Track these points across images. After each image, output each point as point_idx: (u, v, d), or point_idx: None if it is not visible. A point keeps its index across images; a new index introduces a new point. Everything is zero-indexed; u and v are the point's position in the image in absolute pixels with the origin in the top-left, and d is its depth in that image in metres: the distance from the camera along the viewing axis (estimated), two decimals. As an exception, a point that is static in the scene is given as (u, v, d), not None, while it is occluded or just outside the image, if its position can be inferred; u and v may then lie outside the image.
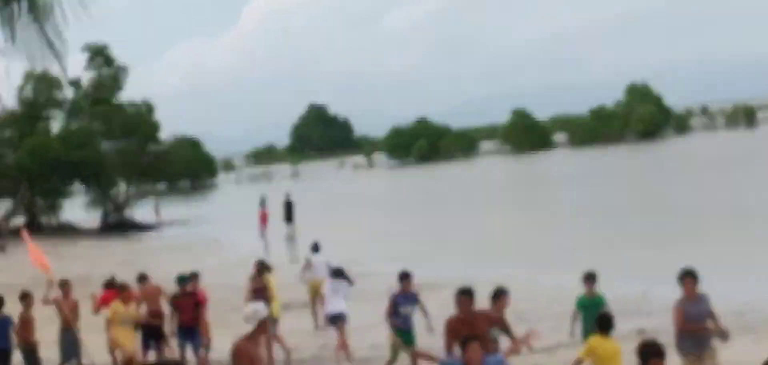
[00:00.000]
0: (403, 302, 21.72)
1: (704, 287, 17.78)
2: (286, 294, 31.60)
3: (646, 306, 27.39)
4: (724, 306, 26.18)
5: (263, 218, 56.83)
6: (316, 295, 29.89)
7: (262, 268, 26.00)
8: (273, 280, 25.95)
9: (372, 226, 60.21)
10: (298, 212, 61.53)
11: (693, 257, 34.88)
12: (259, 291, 24.41)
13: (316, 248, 31.23)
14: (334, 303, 24.35)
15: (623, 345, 22.73)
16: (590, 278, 20.62)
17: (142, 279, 25.04)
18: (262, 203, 59.77)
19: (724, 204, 52.05)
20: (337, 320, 24.18)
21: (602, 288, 30.43)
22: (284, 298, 31.55)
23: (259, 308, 14.05)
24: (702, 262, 33.49)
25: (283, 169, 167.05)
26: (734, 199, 54.06)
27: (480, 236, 50.34)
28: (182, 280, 23.99)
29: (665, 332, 23.48)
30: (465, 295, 16.72)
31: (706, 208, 51.36)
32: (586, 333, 19.08)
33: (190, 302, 23.50)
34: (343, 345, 24.29)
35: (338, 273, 25.15)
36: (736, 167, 77.31)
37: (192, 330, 23.48)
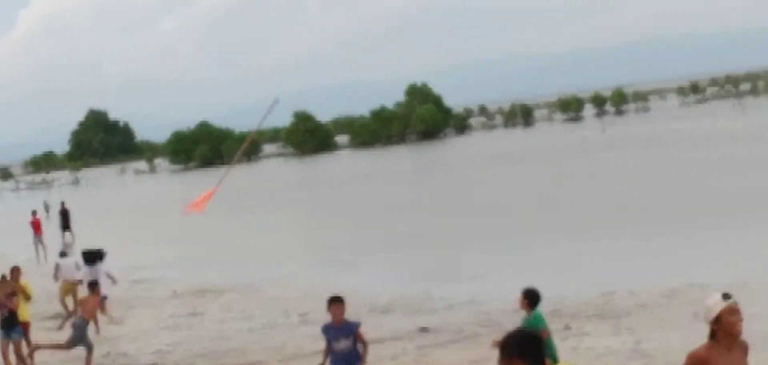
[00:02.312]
0: (334, 335, 16.16)
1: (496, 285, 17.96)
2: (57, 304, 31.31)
3: (428, 305, 27.71)
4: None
5: (36, 226, 55.41)
6: (66, 295, 31.07)
7: (14, 272, 26.05)
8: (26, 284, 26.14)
9: (154, 231, 59.45)
10: (76, 220, 60.32)
11: (474, 258, 35.83)
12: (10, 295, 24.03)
13: (63, 253, 32.82)
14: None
15: (404, 343, 23.11)
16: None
17: None
18: (34, 211, 58.31)
19: (504, 202, 53.13)
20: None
21: (386, 287, 30.92)
22: (56, 308, 31.16)
23: None
24: (480, 263, 34.49)
25: (63, 176, 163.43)
26: (515, 195, 55.26)
27: (262, 238, 50.22)
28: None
29: (447, 330, 23.86)
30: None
31: (486, 206, 52.34)
32: None
33: None
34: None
35: (90, 256, 27.71)
36: (514, 164, 79.20)
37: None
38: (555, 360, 15.12)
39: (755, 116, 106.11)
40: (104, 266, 29.68)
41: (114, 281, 30.73)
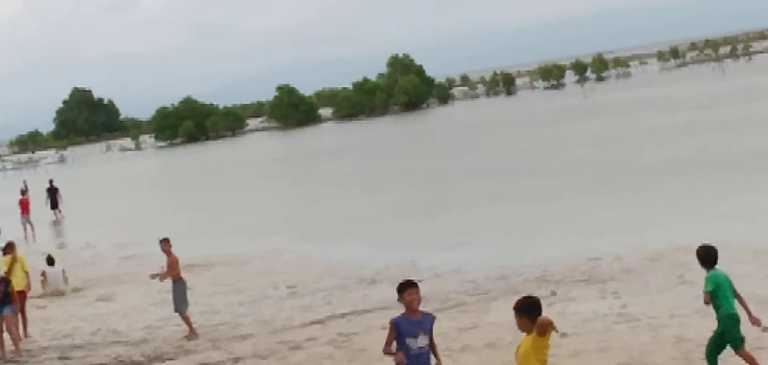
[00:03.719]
0: (409, 329, 13.04)
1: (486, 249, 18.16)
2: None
3: (415, 275, 27.91)
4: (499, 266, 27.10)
5: (24, 205, 55.40)
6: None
7: (7, 248, 26.78)
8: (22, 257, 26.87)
9: (142, 207, 59.52)
10: (65, 198, 60.43)
11: (459, 227, 36.06)
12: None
13: (50, 260, 33.14)
14: None
15: (392, 312, 23.31)
16: None
17: None
18: (23, 190, 58.28)
19: (488, 170, 53.30)
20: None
21: (373, 259, 31.13)
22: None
23: None
24: (466, 231, 34.72)
25: (49, 155, 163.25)
26: (500, 163, 55.43)
27: (251, 211, 50.34)
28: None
29: (434, 299, 24.08)
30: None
31: (470, 174, 52.49)
32: None
33: None
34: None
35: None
36: (497, 132, 79.39)
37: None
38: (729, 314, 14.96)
39: (734, 79, 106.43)
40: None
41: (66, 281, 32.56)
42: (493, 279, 25.75)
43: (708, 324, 16.36)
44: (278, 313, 24.98)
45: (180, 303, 23.58)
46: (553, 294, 22.99)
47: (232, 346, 22.05)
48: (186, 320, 23.61)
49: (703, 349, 15.69)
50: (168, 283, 24.10)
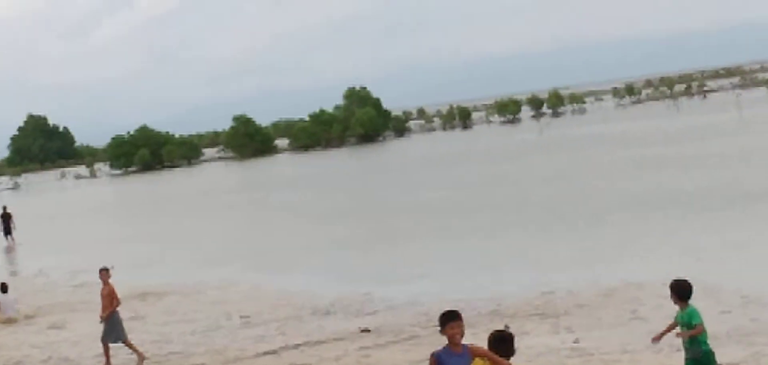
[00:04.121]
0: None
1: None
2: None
3: (370, 306, 27.92)
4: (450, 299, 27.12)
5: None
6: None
7: None
8: None
9: (95, 235, 59.16)
10: (18, 224, 59.98)
11: (414, 259, 36.09)
12: None
13: (4, 288, 32.90)
14: None
15: (346, 344, 23.33)
16: None
17: None
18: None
19: (443, 203, 53.40)
20: None
21: (328, 289, 31.10)
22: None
23: None
24: (420, 264, 34.75)
25: (3, 181, 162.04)
26: (455, 197, 55.54)
27: (205, 241, 50.18)
28: None
29: (388, 331, 24.10)
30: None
31: (426, 207, 52.56)
32: None
33: None
34: None
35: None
36: (453, 165, 79.56)
37: None
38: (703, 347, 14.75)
39: (689, 117, 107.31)
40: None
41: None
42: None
43: (659, 359, 16.45)
44: (231, 343, 24.90)
45: (108, 333, 23.59)
46: (507, 327, 23.03)
47: (184, 376, 21.95)
48: (105, 349, 23.63)
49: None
50: (120, 311, 23.99)
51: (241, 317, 28.28)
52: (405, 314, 26.34)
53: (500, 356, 11.11)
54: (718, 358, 15.27)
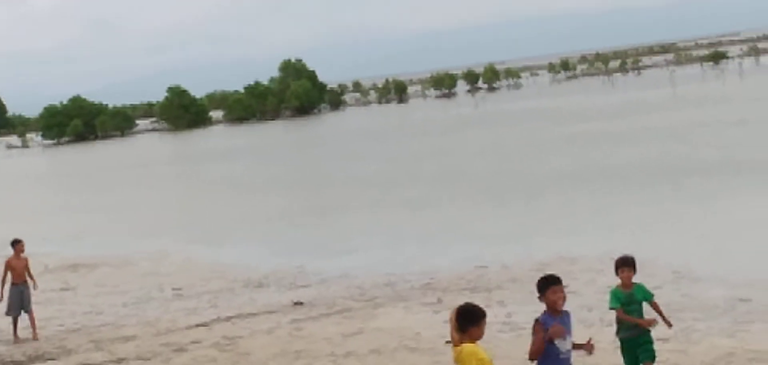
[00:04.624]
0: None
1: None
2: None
3: (302, 279, 27.83)
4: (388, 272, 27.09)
5: None
6: None
7: None
8: None
9: (27, 206, 58.56)
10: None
11: (346, 232, 36.06)
12: None
13: None
14: None
15: (278, 316, 23.23)
16: None
17: None
18: None
19: (377, 176, 53.41)
20: None
21: (260, 262, 30.99)
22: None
23: None
24: (353, 237, 34.72)
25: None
26: (389, 170, 55.57)
27: (137, 212, 49.83)
28: None
29: (320, 304, 24.03)
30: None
31: (359, 180, 52.53)
32: None
33: None
34: None
35: None
36: (387, 139, 79.62)
37: None
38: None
39: (623, 93, 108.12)
40: None
41: None
42: (380, 285, 25.74)
43: (590, 333, 16.46)
44: (163, 315, 24.70)
45: (12, 307, 23.34)
46: (439, 301, 23.04)
47: (115, 347, 21.73)
48: (14, 323, 23.48)
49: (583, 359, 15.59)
50: (51, 282, 23.75)
51: (173, 289, 28.10)
52: (337, 287, 26.27)
53: (465, 330, 10.69)
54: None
